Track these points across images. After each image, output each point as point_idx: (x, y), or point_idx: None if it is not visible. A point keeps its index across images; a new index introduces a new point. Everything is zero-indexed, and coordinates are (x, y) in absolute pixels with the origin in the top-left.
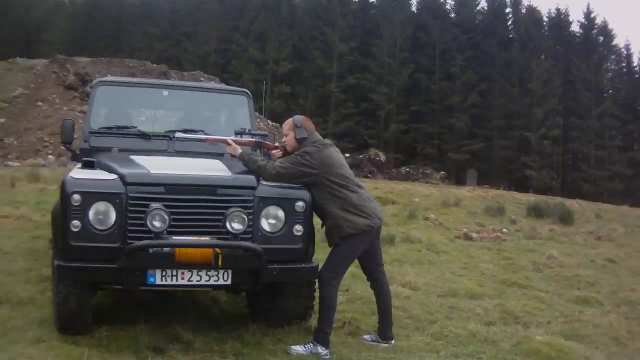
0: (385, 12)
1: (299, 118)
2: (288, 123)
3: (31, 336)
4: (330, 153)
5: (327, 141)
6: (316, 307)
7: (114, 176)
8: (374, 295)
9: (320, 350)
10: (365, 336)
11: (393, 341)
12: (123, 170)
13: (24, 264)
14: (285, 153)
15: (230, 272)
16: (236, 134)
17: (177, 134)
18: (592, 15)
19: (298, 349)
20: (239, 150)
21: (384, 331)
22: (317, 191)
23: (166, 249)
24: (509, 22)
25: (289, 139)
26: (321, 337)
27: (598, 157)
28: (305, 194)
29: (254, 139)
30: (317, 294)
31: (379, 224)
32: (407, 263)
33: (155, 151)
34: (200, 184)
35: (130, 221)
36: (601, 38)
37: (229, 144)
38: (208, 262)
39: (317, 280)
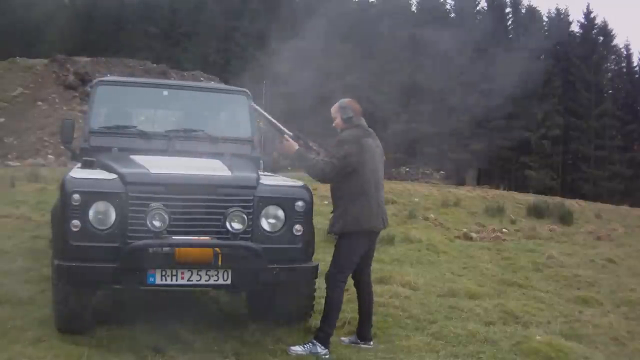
0: (385, 12)
1: (344, 100)
2: (334, 106)
3: (31, 336)
4: (369, 143)
5: (370, 130)
6: (316, 307)
7: (113, 176)
8: (357, 294)
9: (320, 349)
10: (342, 338)
11: (372, 342)
12: (123, 170)
13: (23, 263)
14: None
15: (230, 271)
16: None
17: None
18: (592, 15)
19: (297, 349)
20: (296, 146)
21: (364, 332)
22: (347, 177)
23: (166, 249)
24: (509, 22)
25: (337, 122)
26: (322, 336)
27: (598, 157)
28: (305, 193)
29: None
30: (317, 294)
31: (382, 228)
32: (406, 263)
33: (155, 151)
34: (200, 183)
35: (130, 221)
36: (601, 38)
37: (287, 140)
38: (208, 262)
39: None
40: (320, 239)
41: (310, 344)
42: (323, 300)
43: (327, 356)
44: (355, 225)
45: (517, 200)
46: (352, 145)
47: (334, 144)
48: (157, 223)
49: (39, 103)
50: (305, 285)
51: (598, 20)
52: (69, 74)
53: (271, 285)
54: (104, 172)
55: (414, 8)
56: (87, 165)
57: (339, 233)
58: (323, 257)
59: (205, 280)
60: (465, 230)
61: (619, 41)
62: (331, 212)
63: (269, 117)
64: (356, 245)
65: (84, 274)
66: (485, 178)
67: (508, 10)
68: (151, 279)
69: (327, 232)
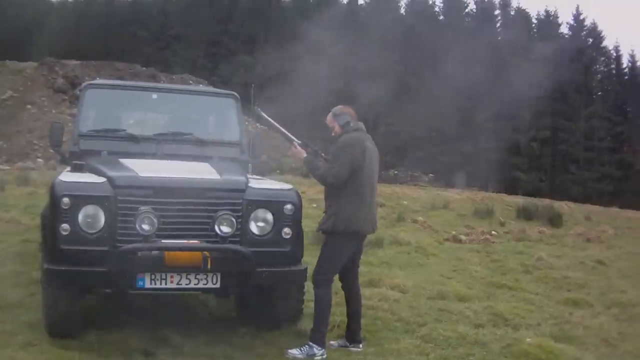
0: (373, 14)
1: (336, 107)
2: (328, 116)
3: (21, 340)
4: (369, 148)
5: (367, 135)
6: (306, 310)
7: (103, 179)
8: (345, 297)
9: (316, 350)
10: (332, 342)
11: (361, 345)
12: (112, 174)
13: (13, 267)
14: None
15: (219, 275)
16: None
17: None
18: (582, 17)
19: (295, 352)
20: (304, 154)
21: (353, 335)
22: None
23: (155, 252)
24: (498, 24)
25: (336, 130)
26: (317, 336)
27: (587, 159)
28: (293, 196)
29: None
30: (306, 297)
31: (370, 232)
32: (395, 266)
33: (144, 154)
34: (189, 186)
35: (119, 224)
36: (590, 40)
37: (295, 147)
38: (197, 266)
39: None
40: (309, 242)
41: (306, 346)
42: (312, 303)
43: (324, 356)
44: (345, 226)
45: (506, 203)
46: (355, 149)
47: (336, 148)
48: (146, 227)
49: (29, 106)
50: (294, 288)
51: (587, 22)
52: (58, 77)
53: (260, 288)
54: (93, 175)
55: (402, 10)
56: (76, 168)
57: (328, 231)
58: (312, 260)
59: (195, 284)
60: (454, 232)
61: (608, 43)
62: (324, 212)
63: (277, 125)
64: (343, 247)
65: (73, 277)
66: (474, 180)
67: (497, 12)
68: (140, 283)
69: (316, 230)
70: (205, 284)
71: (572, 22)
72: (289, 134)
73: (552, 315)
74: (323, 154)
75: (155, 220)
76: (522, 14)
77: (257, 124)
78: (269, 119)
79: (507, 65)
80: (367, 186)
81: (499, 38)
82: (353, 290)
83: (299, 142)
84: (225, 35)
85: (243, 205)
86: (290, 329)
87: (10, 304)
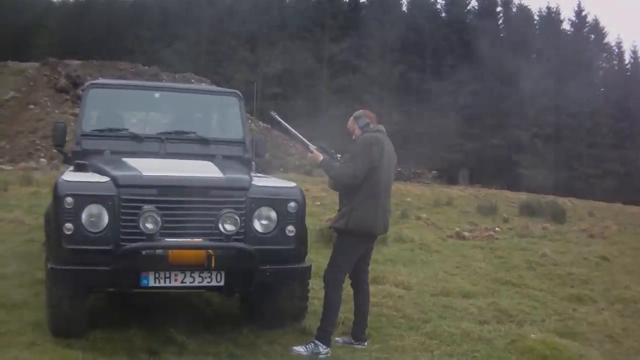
0: (375, 12)
1: (357, 111)
2: (349, 121)
3: (25, 340)
4: (388, 149)
5: (387, 138)
6: (310, 308)
7: (106, 178)
8: (353, 294)
9: (321, 349)
10: (337, 338)
11: (366, 343)
12: (115, 173)
13: (17, 267)
14: None
15: (223, 273)
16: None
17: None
18: (583, 13)
19: (299, 349)
20: (321, 157)
21: (358, 332)
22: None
23: (159, 251)
24: (500, 21)
25: (357, 132)
26: (323, 335)
27: (590, 155)
28: (297, 194)
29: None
30: (311, 295)
31: (382, 233)
32: (399, 263)
33: (147, 153)
34: (192, 185)
35: (123, 223)
36: (592, 36)
37: (311, 152)
38: (201, 264)
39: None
40: (313, 240)
41: (312, 344)
42: (316, 301)
43: (328, 354)
44: (358, 226)
45: (509, 199)
46: (374, 148)
47: (355, 146)
48: (149, 225)
49: (31, 106)
50: (298, 286)
51: (589, 19)
52: (60, 77)
53: (264, 286)
54: (97, 175)
55: (404, 8)
56: (79, 168)
57: (341, 230)
58: (316, 257)
59: (199, 282)
60: (457, 229)
61: (610, 39)
62: (338, 210)
63: (293, 130)
64: (354, 246)
65: (77, 277)
66: (477, 177)
67: (499, 9)
68: (144, 282)
69: (328, 227)
70: (210, 282)
71: (574, 18)
72: (304, 139)
73: (556, 312)
74: (339, 156)
75: (158, 219)
76: (524, 11)
77: (260, 122)
78: (285, 123)
79: (508, 61)
80: (382, 187)
81: (501, 35)
82: (362, 288)
83: (315, 146)
84: (227, 33)
85: (247, 203)
86: (295, 327)
87: (14, 303)
